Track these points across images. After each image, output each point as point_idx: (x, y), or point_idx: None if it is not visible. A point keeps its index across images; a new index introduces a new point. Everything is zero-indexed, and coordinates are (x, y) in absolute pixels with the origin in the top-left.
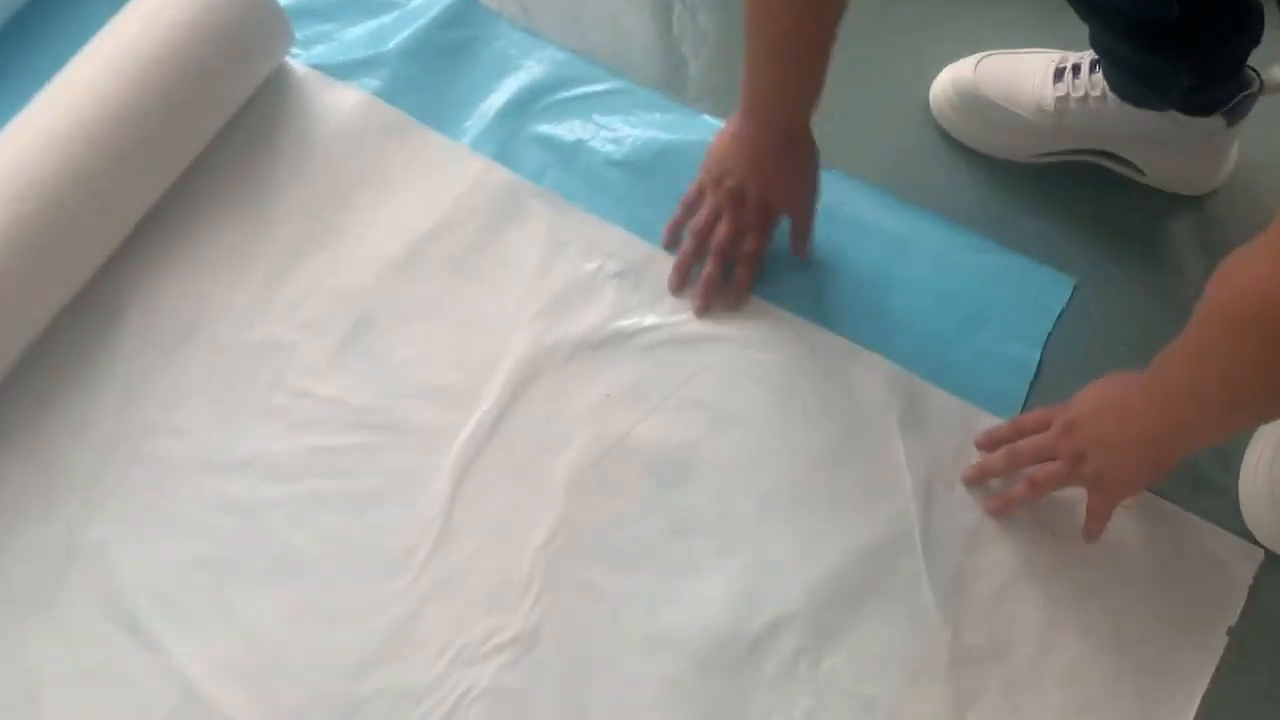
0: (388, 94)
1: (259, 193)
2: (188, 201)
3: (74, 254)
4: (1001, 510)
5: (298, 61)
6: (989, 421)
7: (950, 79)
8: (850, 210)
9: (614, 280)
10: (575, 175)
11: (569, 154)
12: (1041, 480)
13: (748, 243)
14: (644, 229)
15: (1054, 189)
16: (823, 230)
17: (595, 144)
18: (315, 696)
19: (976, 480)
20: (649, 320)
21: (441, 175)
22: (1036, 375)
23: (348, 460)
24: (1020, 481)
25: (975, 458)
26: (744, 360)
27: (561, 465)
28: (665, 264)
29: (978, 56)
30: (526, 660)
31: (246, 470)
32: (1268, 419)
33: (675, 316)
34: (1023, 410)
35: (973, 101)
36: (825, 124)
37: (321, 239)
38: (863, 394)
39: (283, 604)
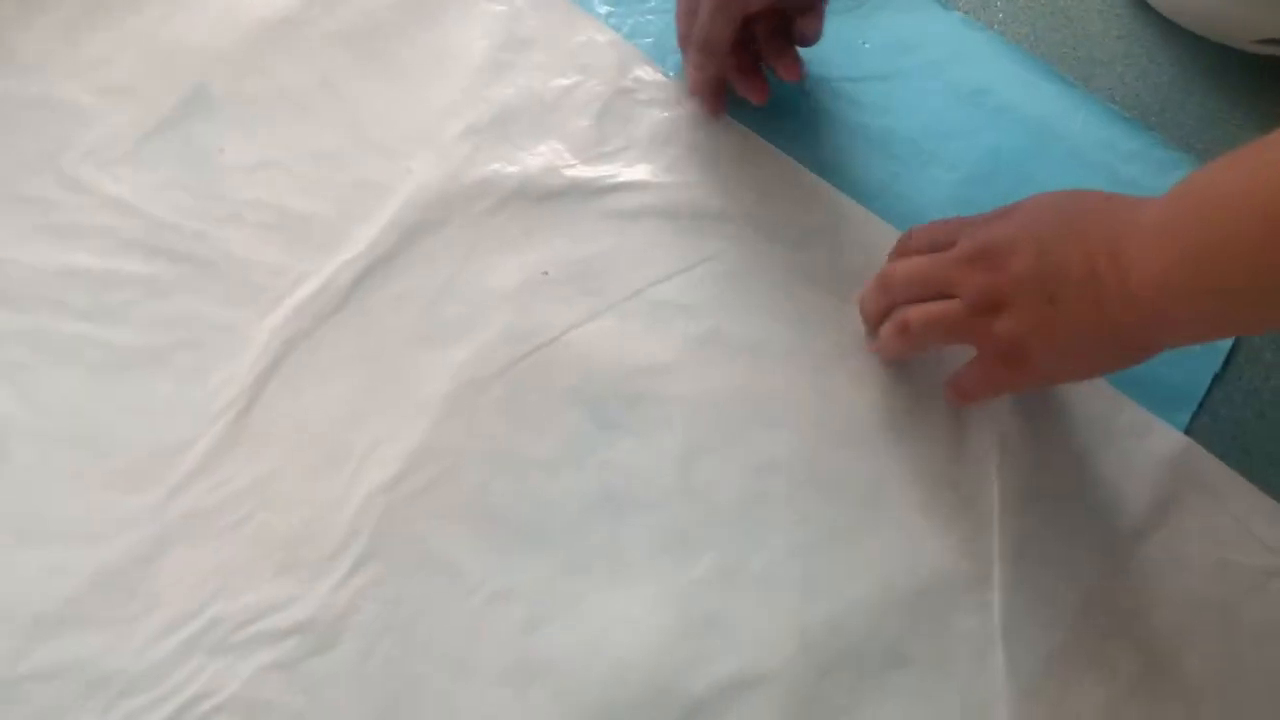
0: None
1: None
2: None
3: None
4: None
5: None
6: (1155, 427)
7: None
8: (971, 75)
9: (594, 107)
10: None
11: None
12: (915, 325)
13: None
14: (655, 36)
15: None
16: (926, 97)
17: None
18: None
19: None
20: (633, 174)
21: None
22: (1230, 358)
23: (118, 296)
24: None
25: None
26: (769, 257)
27: (445, 365)
28: (675, 91)
29: None
30: (313, 662)
31: None
32: None
33: (676, 175)
34: (1197, 413)
35: None
36: None
37: None
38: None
39: None
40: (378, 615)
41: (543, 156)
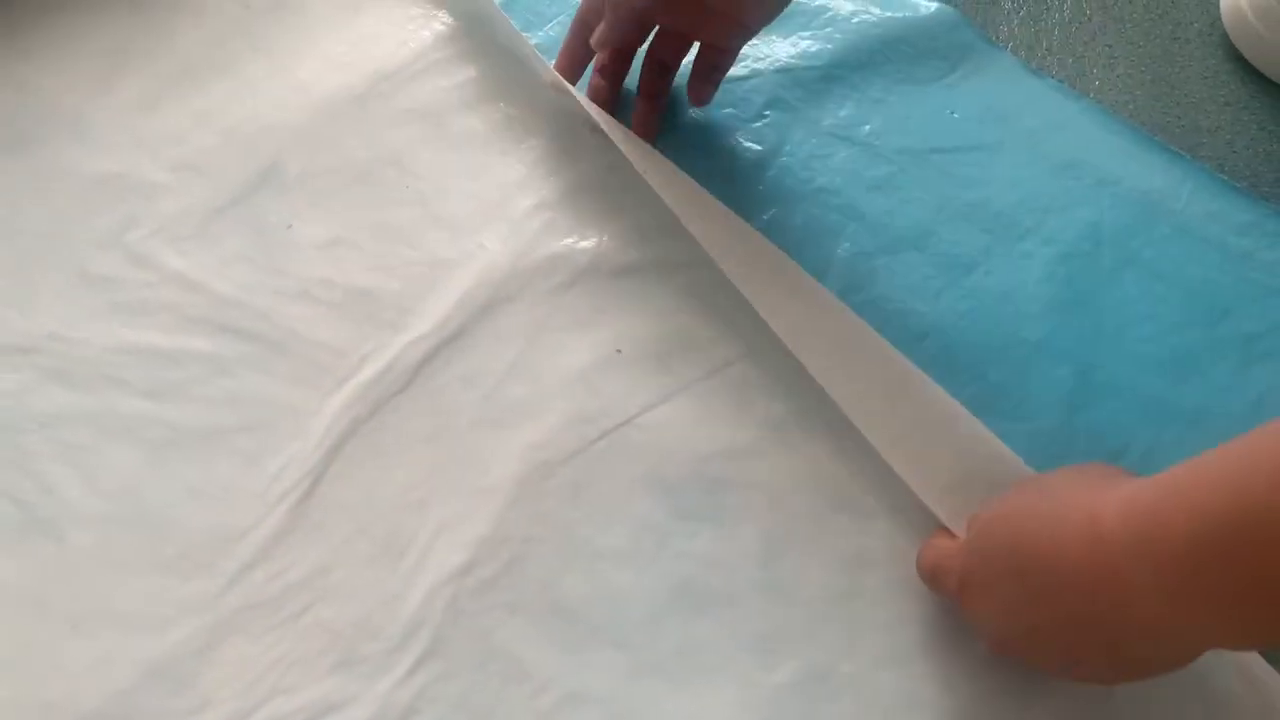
0: None
1: None
2: None
3: None
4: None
5: None
6: None
7: None
8: (1067, 146)
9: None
10: None
11: None
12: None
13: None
14: (734, 108)
15: None
16: (1019, 169)
17: None
18: None
19: None
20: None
21: None
22: None
23: (181, 374)
24: None
25: None
26: (864, 331)
27: (512, 447)
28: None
29: None
30: None
31: (21, 359)
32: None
33: (755, 249)
34: None
35: None
36: (1046, 19)
37: (238, 56)
38: None
39: (6, 580)
40: (441, 717)
41: (617, 231)
